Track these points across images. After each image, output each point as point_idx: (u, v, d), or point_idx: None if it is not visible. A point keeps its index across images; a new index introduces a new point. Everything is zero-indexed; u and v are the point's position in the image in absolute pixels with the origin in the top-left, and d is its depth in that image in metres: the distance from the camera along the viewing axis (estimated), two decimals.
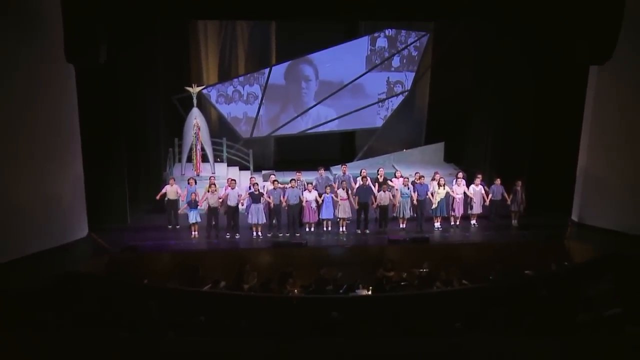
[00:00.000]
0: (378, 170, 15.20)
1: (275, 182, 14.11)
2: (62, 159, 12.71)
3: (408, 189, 14.34)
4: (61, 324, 8.83)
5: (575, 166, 14.70)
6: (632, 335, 7.83)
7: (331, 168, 16.66)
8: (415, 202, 14.38)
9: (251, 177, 15.19)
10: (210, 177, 15.03)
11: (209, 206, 13.91)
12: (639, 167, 13.28)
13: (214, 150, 17.11)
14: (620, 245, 12.89)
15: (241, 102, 17.91)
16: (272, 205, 13.93)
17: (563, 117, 14.92)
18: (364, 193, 14.21)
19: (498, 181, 14.64)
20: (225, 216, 14.10)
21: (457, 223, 14.76)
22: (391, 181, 14.76)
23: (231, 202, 13.90)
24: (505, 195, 14.48)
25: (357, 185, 14.30)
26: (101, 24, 11.76)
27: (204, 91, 17.31)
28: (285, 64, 18.04)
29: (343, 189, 14.16)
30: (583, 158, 14.53)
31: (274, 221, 14.27)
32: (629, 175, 13.47)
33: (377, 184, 14.60)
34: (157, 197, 14.44)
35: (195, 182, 14.32)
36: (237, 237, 14.01)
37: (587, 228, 14.28)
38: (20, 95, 11.48)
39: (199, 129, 16.26)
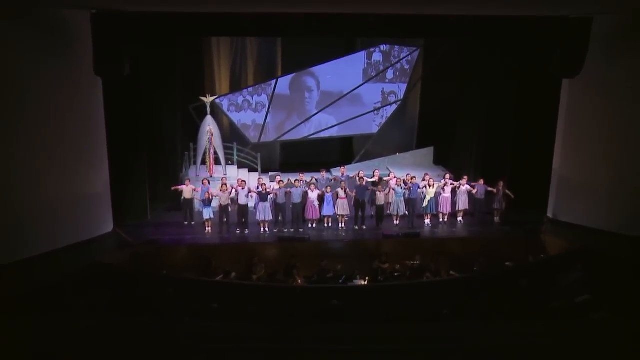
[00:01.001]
0: (374, 172, 15.25)
1: (281, 182, 14.14)
2: (90, 161, 12.76)
3: (401, 188, 14.37)
4: (89, 308, 8.90)
5: (550, 168, 14.73)
6: (598, 320, 7.91)
7: (331, 170, 16.68)
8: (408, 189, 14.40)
9: (259, 178, 15.19)
10: (222, 178, 15.07)
11: (221, 204, 13.95)
12: (607, 169, 13.31)
13: (225, 153, 17.08)
14: (589, 240, 12.95)
15: (250, 111, 17.94)
16: (277, 196, 13.93)
17: (539, 124, 14.94)
18: (361, 192, 14.26)
19: (482, 181, 14.65)
20: (236, 213, 14.12)
21: (445, 220, 14.75)
22: (386, 178, 14.83)
23: (241, 201, 13.93)
24: (491, 189, 14.53)
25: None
26: (125, 42, 11.82)
27: (217, 101, 17.33)
28: (290, 76, 18.05)
29: (342, 189, 14.19)
30: (557, 161, 14.57)
31: (279, 218, 14.29)
32: (597, 177, 13.51)
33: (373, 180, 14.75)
34: (172, 188, 14.50)
35: (209, 183, 14.31)
36: (246, 232, 13.98)
37: (561, 224, 14.29)
38: (53, 104, 11.55)
39: (212, 134, 16.29)
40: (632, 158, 12.77)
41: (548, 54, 13.17)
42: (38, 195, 11.43)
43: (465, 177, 14.79)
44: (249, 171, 17.65)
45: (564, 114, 14.25)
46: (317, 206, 14.16)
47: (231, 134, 18.16)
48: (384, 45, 18.10)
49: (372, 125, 18.85)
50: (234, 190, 13.98)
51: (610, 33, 12.65)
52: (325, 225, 14.43)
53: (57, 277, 10.28)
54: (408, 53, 18.27)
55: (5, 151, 10.80)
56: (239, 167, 17.75)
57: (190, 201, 14.32)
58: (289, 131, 18.39)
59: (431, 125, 19.26)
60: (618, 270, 10.35)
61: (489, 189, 14.52)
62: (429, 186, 14.35)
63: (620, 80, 12.79)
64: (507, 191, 14.39)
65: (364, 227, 14.36)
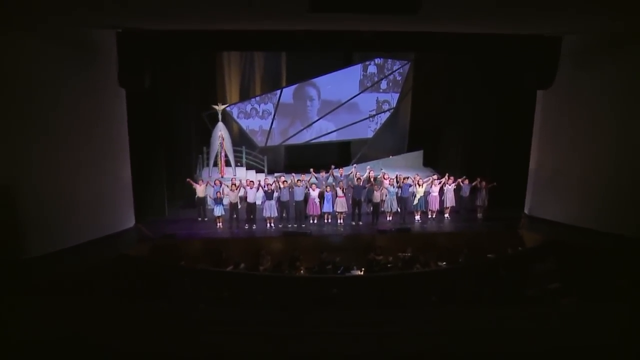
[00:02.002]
0: (368, 172, 15.43)
1: (285, 182, 14.20)
2: (114, 163, 12.83)
3: (394, 187, 14.44)
4: (114, 295, 8.97)
5: (527, 169, 14.78)
6: (567, 304, 8.00)
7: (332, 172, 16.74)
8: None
9: (265, 179, 15.28)
10: (232, 178, 15.13)
11: (231, 202, 14.00)
12: (577, 171, 13.36)
13: (235, 156, 17.20)
14: (561, 234, 13.00)
15: (257, 118, 18.04)
16: (281, 191, 13.98)
17: (517, 130, 15.02)
18: (357, 191, 14.33)
19: (466, 181, 14.73)
20: (245, 211, 14.16)
21: (434, 216, 14.77)
22: (382, 177, 14.91)
23: (250, 199, 13.98)
24: (475, 182, 14.59)
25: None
26: (147, 57, 11.91)
27: (228, 109, 17.44)
28: (294, 86, 18.17)
29: (340, 188, 14.28)
30: (533, 163, 14.63)
31: (284, 214, 14.32)
32: (569, 177, 13.54)
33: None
34: (187, 180, 14.53)
35: (220, 183, 14.36)
36: (254, 227, 14.01)
37: (536, 220, 14.32)
38: (82, 112, 11.61)
39: (223, 139, 16.40)
40: (600, 160, 12.84)
41: (524, 68, 13.25)
42: (67, 194, 11.47)
43: (452, 177, 14.86)
44: (257, 172, 17.74)
45: (539, 121, 14.32)
46: (318, 203, 14.22)
47: (240, 139, 18.26)
48: (378, 59, 18.23)
49: (368, 130, 18.95)
50: (243, 189, 14.05)
51: (577, 50, 12.80)
52: (325, 221, 14.48)
53: (86, 267, 10.35)
54: (400, 66, 18.39)
55: (39, 154, 10.89)
56: (247, 169, 17.86)
57: (203, 199, 14.38)
58: (292, 136, 18.49)
59: (421, 131, 19.42)
60: (585, 260, 10.43)
61: (473, 184, 14.62)
62: (418, 185, 14.43)
63: (587, 89, 12.87)
64: (489, 184, 14.50)
65: (360, 223, 14.39)
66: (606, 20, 10.35)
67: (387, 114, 18.84)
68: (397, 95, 18.72)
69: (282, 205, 14.15)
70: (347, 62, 18.39)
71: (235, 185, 14.01)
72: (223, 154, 16.56)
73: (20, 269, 10.01)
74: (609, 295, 8.24)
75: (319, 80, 18.13)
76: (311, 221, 14.42)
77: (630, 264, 9.66)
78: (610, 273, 9.22)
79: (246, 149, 18.02)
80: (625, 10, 9.06)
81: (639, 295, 8.00)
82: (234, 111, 17.82)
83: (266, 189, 13.94)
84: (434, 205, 14.63)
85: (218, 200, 13.96)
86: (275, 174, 17.04)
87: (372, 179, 14.77)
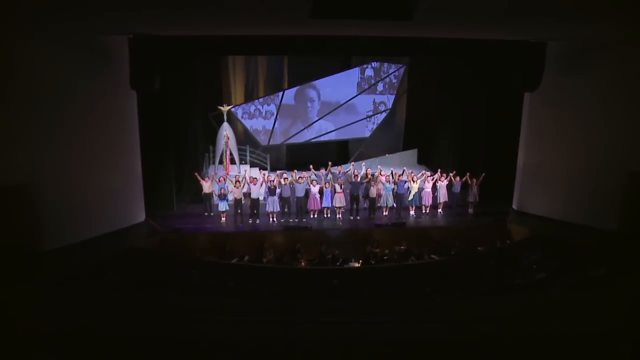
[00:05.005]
0: (366, 169, 15.45)
1: (286, 179, 14.21)
2: (125, 161, 12.82)
3: (390, 184, 14.47)
4: (127, 285, 9.00)
5: (515, 167, 14.79)
6: (552, 293, 8.05)
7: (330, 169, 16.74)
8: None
9: (268, 176, 15.30)
10: (236, 175, 15.11)
11: (235, 198, 14.01)
12: (561, 168, 13.40)
13: (239, 154, 17.21)
14: (547, 228, 13.02)
15: (261, 118, 18.01)
16: (282, 186, 14.00)
17: (505, 130, 15.03)
18: (355, 187, 14.35)
19: (457, 178, 14.71)
20: (248, 206, 14.17)
21: (427, 211, 14.77)
22: (378, 174, 14.93)
23: (253, 195, 14.00)
24: (466, 178, 14.59)
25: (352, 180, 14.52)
26: (156, 61, 11.90)
27: (232, 109, 17.41)
28: (295, 88, 18.12)
29: (338, 184, 14.30)
30: (521, 161, 14.64)
31: (285, 209, 14.33)
32: (554, 175, 13.59)
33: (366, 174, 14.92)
34: (195, 173, 14.48)
35: (225, 180, 14.37)
36: (257, 222, 14.00)
37: (524, 214, 14.34)
38: (95, 113, 11.64)
39: (228, 138, 16.39)
40: (583, 158, 12.88)
41: (511, 72, 13.24)
42: (81, 191, 11.50)
43: (444, 174, 14.87)
44: (260, 169, 17.75)
45: (526, 121, 14.34)
46: (318, 199, 14.23)
47: (244, 138, 18.24)
48: (375, 62, 18.19)
49: (365, 130, 18.93)
50: (247, 186, 14.07)
51: (561, 54, 12.83)
52: (325, 215, 14.46)
53: (100, 258, 10.36)
54: (395, 69, 18.36)
55: (55, 153, 10.91)
56: (251, 166, 17.82)
57: (209, 195, 14.35)
58: (293, 135, 18.46)
59: (415, 130, 19.41)
60: (568, 252, 10.47)
61: (463, 179, 14.63)
62: (413, 182, 14.45)
63: (571, 91, 12.90)
64: (479, 177, 14.50)
65: (358, 217, 14.39)
66: (606, 28, 10.29)
67: (384, 115, 18.80)
68: (393, 96, 18.69)
69: (283, 200, 14.15)
70: (345, 66, 18.34)
71: (238, 182, 14.03)
72: (228, 152, 16.55)
73: (38, 262, 10.04)
74: (591, 284, 8.29)
75: (319, 83, 18.09)
76: (311, 216, 14.42)
77: (610, 255, 9.71)
78: (592, 264, 9.26)
79: (250, 147, 18.00)
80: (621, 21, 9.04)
81: (619, 283, 8.04)
82: (239, 112, 17.80)
83: (269, 184, 13.95)
84: (428, 201, 14.63)
85: (222, 196, 13.96)
86: (278, 172, 17.09)
87: (369, 176, 14.79)
